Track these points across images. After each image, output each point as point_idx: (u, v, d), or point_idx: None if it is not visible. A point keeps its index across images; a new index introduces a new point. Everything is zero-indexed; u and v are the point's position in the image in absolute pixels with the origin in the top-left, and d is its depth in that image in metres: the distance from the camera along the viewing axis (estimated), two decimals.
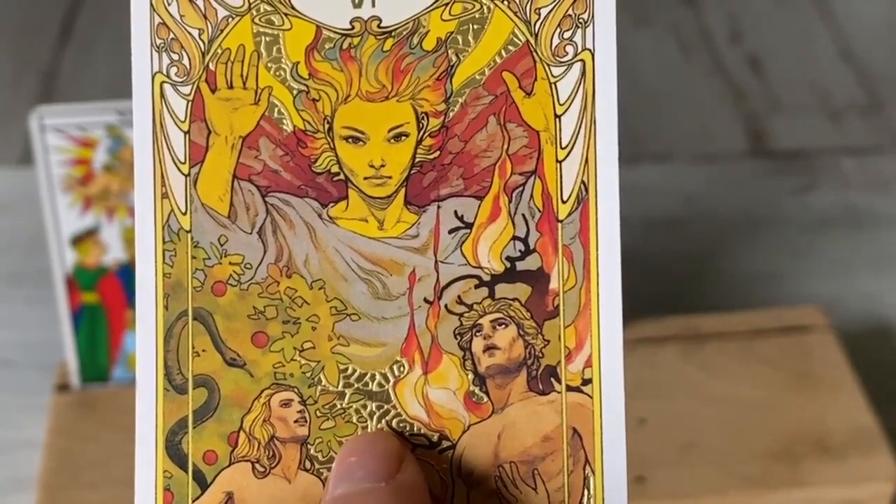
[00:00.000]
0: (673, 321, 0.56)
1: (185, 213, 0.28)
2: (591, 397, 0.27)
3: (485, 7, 0.27)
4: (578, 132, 0.27)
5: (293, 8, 0.28)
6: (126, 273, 0.52)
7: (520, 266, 0.28)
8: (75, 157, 0.50)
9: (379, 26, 0.27)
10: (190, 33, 0.28)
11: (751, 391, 0.52)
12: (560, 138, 0.27)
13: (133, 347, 0.53)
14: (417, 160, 0.28)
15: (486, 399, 0.28)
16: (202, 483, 0.28)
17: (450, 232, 0.28)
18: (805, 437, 0.50)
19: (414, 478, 0.26)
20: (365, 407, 0.28)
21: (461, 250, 0.28)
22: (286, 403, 0.28)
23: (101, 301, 0.52)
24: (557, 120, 0.27)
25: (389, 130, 0.28)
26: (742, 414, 0.51)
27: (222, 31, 0.28)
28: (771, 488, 0.48)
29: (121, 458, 0.50)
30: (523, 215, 0.28)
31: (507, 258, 0.28)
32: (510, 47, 0.27)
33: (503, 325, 0.28)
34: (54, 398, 0.52)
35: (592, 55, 0.27)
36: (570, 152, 0.27)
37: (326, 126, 0.28)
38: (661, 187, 0.70)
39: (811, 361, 0.54)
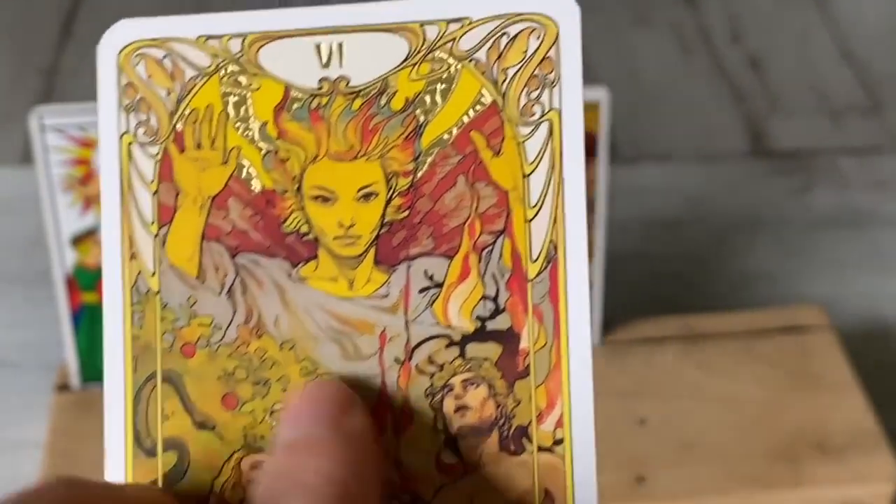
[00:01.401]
0: (673, 321, 0.56)
1: (153, 275, 0.28)
2: (563, 458, 0.27)
3: (452, 67, 0.27)
4: (547, 191, 0.27)
5: (261, 68, 0.28)
6: None
7: (490, 325, 0.27)
8: (75, 156, 0.50)
9: (347, 86, 0.28)
10: (157, 94, 0.28)
11: (751, 391, 0.52)
12: (529, 198, 0.27)
13: None
14: (387, 220, 0.28)
15: (457, 460, 0.27)
16: None
17: (420, 291, 0.27)
18: (805, 437, 0.50)
19: (361, 425, 0.26)
20: None
21: (432, 310, 0.27)
22: (257, 466, 0.27)
23: (101, 301, 0.52)
24: (526, 179, 0.27)
25: (359, 190, 0.28)
26: (742, 414, 0.51)
27: (190, 91, 0.28)
28: (771, 488, 0.48)
29: None
30: (493, 274, 0.27)
31: (478, 317, 0.27)
32: (478, 107, 0.28)
33: (474, 385, 0.27)
34: (54, 398, 0.52)
35: (560, 115, 0.27)
36: (538, 211, 0.27)
37: (295, 186, 0.28)
38: (661, 187, 0.70)
39: (811, 361, 0.54)
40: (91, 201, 0.51)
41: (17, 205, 0.69)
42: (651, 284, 0.63)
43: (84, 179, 0.51)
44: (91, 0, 0.87)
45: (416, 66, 0.28)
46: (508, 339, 0.27)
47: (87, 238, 0.51)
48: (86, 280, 0.52)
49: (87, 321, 0.52)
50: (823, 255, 0.66)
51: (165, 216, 0.28)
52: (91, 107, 0.50)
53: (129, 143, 0.28)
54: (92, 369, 0.53)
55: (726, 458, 0.49)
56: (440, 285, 0.28)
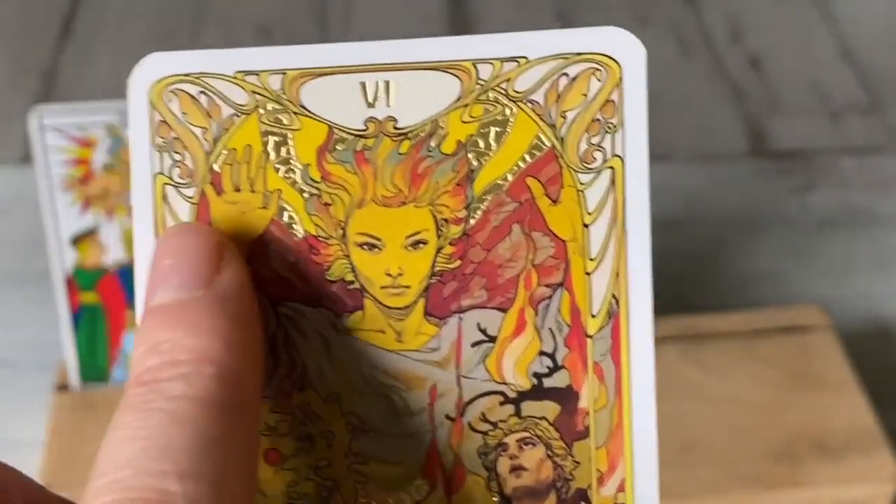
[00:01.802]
0: (673, 321, 0.56)
1: None
2: None
3: (507, 109, 0.26)
4: (608, 243, 0.26)
5: (303, 107, 0.26)
6: (126, 273, 0.52)
7: (547, 383, 0.26)
8: (75, 156, 0.50)
9: (395, 127, 0.26)
10: (193, 132, 0.26)
11: (751, 391, 0.52)
12: (589, 249, 0.26)
13: (133, 347, 0.53)
14: (437, 269, 0.26)
15: None
16: None
17: (472, 345, 0.26)
18: (805, 437, 0.50)
19: (233, 282, 0.24)
20: None
21: (485, 365, 0.26)
22: None
23: (100, 301, 0.52)
24: (586, 230, 0.26)
25: (407, 237, 0.26)
26: (742, 414, 0.51)
27: (227, 130, 0.26)
28: (771, 488, 0.48)
29: None
30: (550, 329, 0.26)
31: (534, 374, 0.26)
32: (534, 152, 0.26)
33: (530, 445, 0.26)
34: (54, 398, 0.52)
35: (623, 162, 0.26)
36: (599, 264, 0.26)
37: (340, 232, 0.26)
38: (661, 187, 0.70)
39: (811, 361, 0.54)
40: (91, 201, 0.51)
41: (17, 205, 0.69)
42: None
43: (84, 179, 0.51)
44: (91, 0, 0.87)
45: (469, 108, 0.26)
46: (567, 397, 0.26)
47: (86, 238, 0.51)
48: (85, 280, 0.52)
49: (87, 321, 0.52)
50: (823, 255, 0.66)
51: None
52: (91, 107, 0.50)
53: (164, 185, 0.26)
54: (91, 369, 0.53)
55: (726, 458, 0.49)
56: (494, 339, 0.26)
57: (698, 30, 0.84)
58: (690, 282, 0.64)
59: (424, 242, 0.26)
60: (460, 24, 0.85)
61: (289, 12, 0.87)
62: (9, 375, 0.59)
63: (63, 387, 0.53)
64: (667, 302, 0.62)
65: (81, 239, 0.51)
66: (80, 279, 0.52)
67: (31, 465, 0.51)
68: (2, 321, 0.62)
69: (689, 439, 0.50)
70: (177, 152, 0.26)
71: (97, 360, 0.53)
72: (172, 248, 0.24)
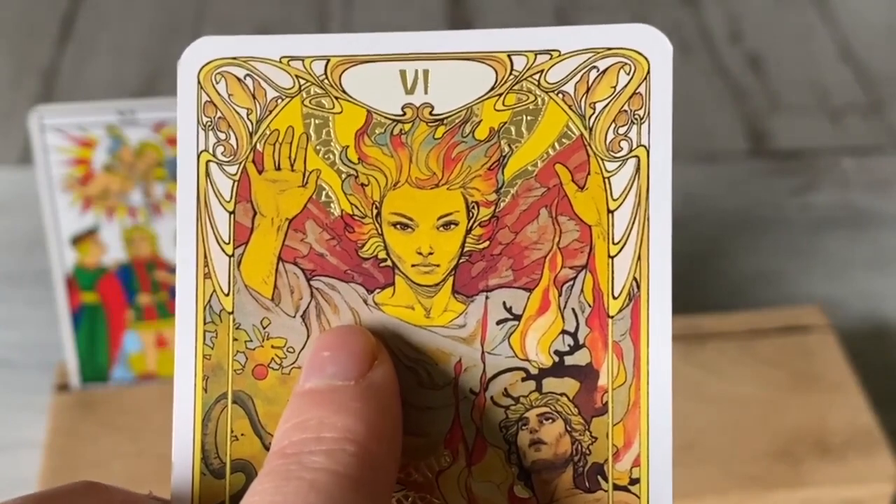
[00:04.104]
0: (673, 321, 0.55)
1: (227, 294, 0.27)
2: (639, 497, 0.27)
3: (539, 99, 0.27)
4: (631, 228, 0.27)
5: (344, 91, 0.27)
6: (126, 273, 0.52)
7: (568, 361, 0.27)
8: (75, 156, 0.50)
9: (431, 113, 0.27)
10: (238, 113, 0.27)
11: (751, 391, 0.52)
12: (612, 234, 0.27)
13: (132, 348, 0.53)
14: (466, 249, 0.27)
15: (530, 494, 0.27)
16: None
17: (498, 323, 0.27)
18: (805, 437, 0.50)
19: (384, 378, 0.26)
20: (407, 497, 0.27)
21: (509, 342, 0.27)
22: None
23: (100, 301, 0.52)
24: (610, 215, 0.27)
25: (439, 218, 0.27)
26: (742, 414, 0.51)
27: (271, 111, 0.27)
28: (771, 488, 0.48)
29: (121, 458, 0.50)
30: (573, 309, 0.27)
31: (556, 352, 0.27)
32: (564, 140, 0.27)
33: (550, 420, 0.27)
34: (54, 398, 0.52)
35: (647, 151, 0.27)
36: (622, 248, 0.27)
37: (375, 211, 0.27)
38: None
39: (811, 361, 0.54)
40: (91, 201, 0.51)
41: (17, 205, 0.69)
42: None
43: (84, 179, 0.51)
44: (91, 0, 0.87)
45: (502, 97, 0.27)
46: (587, 375, 0.27)
47: (86, 238, 0.51)
48: (85, 280, 0.52)
49: (87, 321, 0.52)
50: (823, 255, 0.66)
51: (241, 236, 0.27)
52: (91, 107, 0.50)
53: (207, 161, 0.27)
54: (91, 369, 0.53)
55: (726, 458, 0.49)
56: (518, 318, 0.27)
57: (698, 30, 0.84)
58: (690, 282, 0.64)
59: (455, 223, 0.27)
60: (460, 23, 0.85)
61: (289, 12, 0.87)
62: (9, 375, 0.59)
63: (63, 387, 0.53)
64: None
65: (81, 239, 0.51)
66: (80, 279, 0.52)
67: (31, 465, 0.51)
68: (2, 321, 0.62)
69: (689, 439, 0.50)
70: (221, 131, 0.27)
71: (97, 360, 0.53)
72: (331, 343, 0.26)
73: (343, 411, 0.25)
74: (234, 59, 0.28)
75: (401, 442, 0.26)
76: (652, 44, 0.28)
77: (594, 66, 0.27)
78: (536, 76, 0.27)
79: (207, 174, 0.27)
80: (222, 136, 0.27)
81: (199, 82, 0.27)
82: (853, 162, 0.72)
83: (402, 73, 0.27)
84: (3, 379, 0.59)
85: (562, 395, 0.27)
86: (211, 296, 0.27)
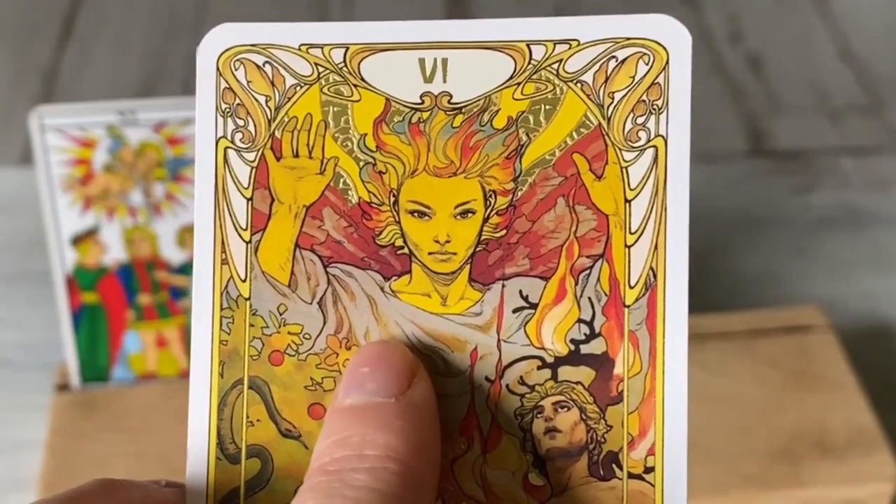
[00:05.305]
0: None
1: (244, 281, 0.27)
2: (654, 486, 0.27)
3: (558, 88, 0.27)
4: (648, 218, 0.27)
5: (363, 80, 0.27)
6: (126, 273, 0.52)
7: (584, 349, 0.27)
8: (75, 156, 0.50)
9: (449, 102, 0.27)
10: (257, 100, 0.27)
11: (751, 391, 0.52)
12: (629, 223, 0.27)
13: (132, 348, 0.53)
14: (483, 238, 0.27)
15: (545, 482, 0.27)
16: None
17: (514, 311, 0.27)
18: (805, 437, 0.50)
19: (424, 395, 0.26)
20: None
21: (525, 330, 0.27)
22: None
23: (101, 301, 0.52)
24: (627, 205, 0.27)
25: (456, 206, 0.27)
26: (742, 414, 0.51)
27: (290, 98, 0.27)
28: (771, 488, 0.48)
29: (121, 458, 0.50)
30: (589, 298, 0.27)
31: (572, 341, 0.27)
32: (582, 130, 0.27)
33: (565, 409, 0.27)
34: (54, 398, 0.52)
35: (665, 142, 0.28)
36: (639, 238, 0.27)
37: (392, 199, 0.27)
38: None
39: (811, 361, 0.54)
40: (91, 201, 0.51)
41: (18, 205, 0.69)
42: None
43: (84, 179, 0.51)
44: (91, 0, 0.87)
45: (521, 86, 0.27)
46: (602, 363, 0.27)
47: (87, 238, 0.51)
48: (86, 280, 0.52)
49: (87, 321, 0.52)
50: (823, 255, 0.66)
51: (259, 223, 0.27)
52: (91, 107, 0.50)
53: (226, 148, 0.27)
54: (91, 369, 0.53)
55: (726, 458, 0.49)
56: (535, 306, 0.27)
57: (698, 30, 0.84)
58: (690, 282, 0.64)
59: (472, 212, 0.27)
60: None
61: (289, 12, 0.87)
62: (9, 375, 0.59)
63: (63, 387, 0.53)
64: None
65: (81, 239, 0.51)
66: (81, 279, 0.52)
67: (31, 465, 0.51)
68: (2, 321, 0.62)
69: (690, 439, 0.50)
70: (240, 118, 0.27)
71: (97, 360, 0.53)
72: (370, 358, 0.26)
73: (385, 429, 0.25)
74: (254, 46, 0.28)
75: (440, 458, 0.26)
76: (671, 34, 0.28)
77: (613, 56, 0.27)
78: (555, 65, 0.27)
79: (225, 161, 0.27)
80: (241, 122, 0.27)
81: (217, 69, 0.27)
82: (853, 162, 0.73)
83: (421, 62, 0.27)
84: (3, 379, 0.59)
85: (577, 383, 0.27)
86: (228, 282, 0.27)
